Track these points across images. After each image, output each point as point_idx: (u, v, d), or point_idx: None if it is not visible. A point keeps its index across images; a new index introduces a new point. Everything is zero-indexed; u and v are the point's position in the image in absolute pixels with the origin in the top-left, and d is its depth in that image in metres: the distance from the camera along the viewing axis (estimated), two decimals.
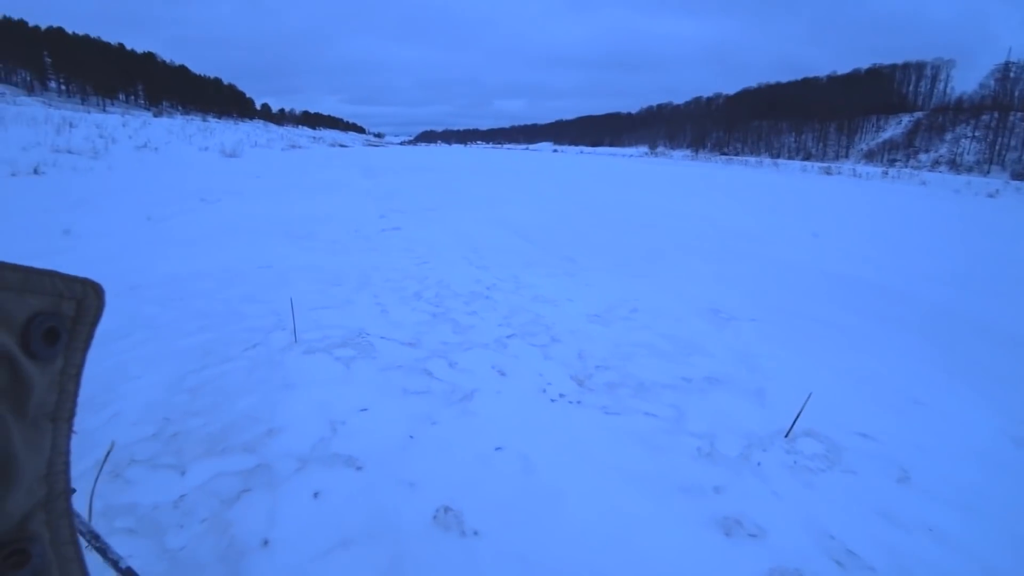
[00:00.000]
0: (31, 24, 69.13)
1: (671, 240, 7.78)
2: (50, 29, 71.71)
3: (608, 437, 2.50)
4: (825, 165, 51.17)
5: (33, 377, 0.25)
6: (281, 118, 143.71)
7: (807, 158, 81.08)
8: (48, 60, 68.96)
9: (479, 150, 68.62)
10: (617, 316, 4.21)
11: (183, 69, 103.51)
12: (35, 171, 16.97)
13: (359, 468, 2.16)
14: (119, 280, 4.73)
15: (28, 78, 66.65)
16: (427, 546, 1.79)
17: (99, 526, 1.79)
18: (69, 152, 21.76)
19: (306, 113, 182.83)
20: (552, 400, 2.82)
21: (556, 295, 4.68)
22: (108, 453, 2.18)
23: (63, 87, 70.70)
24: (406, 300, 4.35)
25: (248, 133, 43.96)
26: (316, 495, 1.98)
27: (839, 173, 40.78)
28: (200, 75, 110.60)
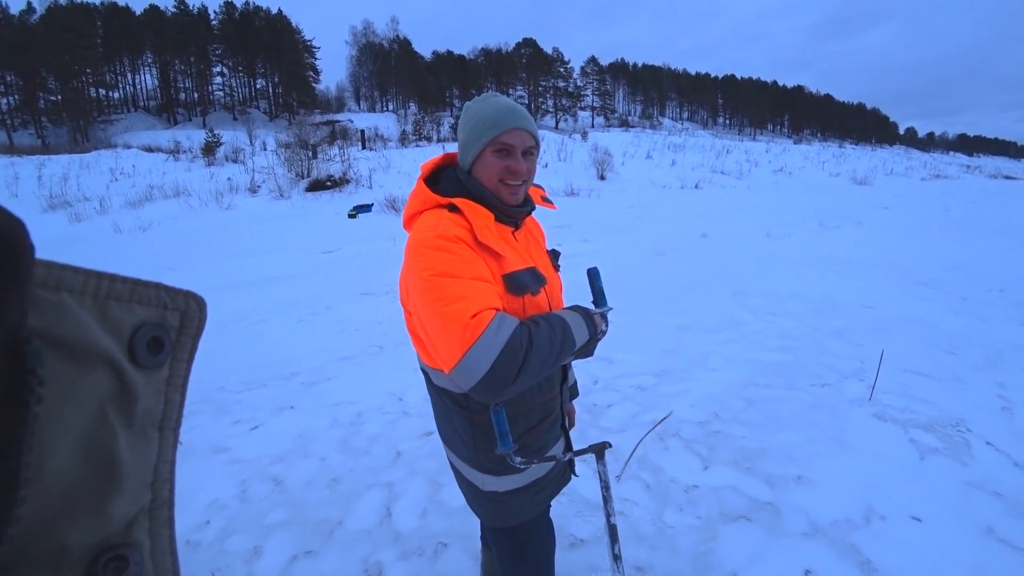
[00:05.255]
0: (712, 75, 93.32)
1: None
2: (724, 77, 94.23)
3: None
4: None
5: (138, 385, 0.25)
6: (928, 143, 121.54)
7: None
8: (720, 101, 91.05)
9: None
10: None
11: (827, 97, 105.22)
12: (696, 186, 22.03)
13: None
14: (726, 284, 5.50)
15: (705, 116, 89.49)
16: None
17: (627, 467, 2.25)
18: (722, 173, 27.20)
19: (963, 137, 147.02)
20: None
21: None
22: (664, 419, 2.69)
23: (727, 121, 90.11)
24: None
25: (884, 160, 40.52)
26: (807, 573, 1.69)
27: None
28: (843, 102, 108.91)
